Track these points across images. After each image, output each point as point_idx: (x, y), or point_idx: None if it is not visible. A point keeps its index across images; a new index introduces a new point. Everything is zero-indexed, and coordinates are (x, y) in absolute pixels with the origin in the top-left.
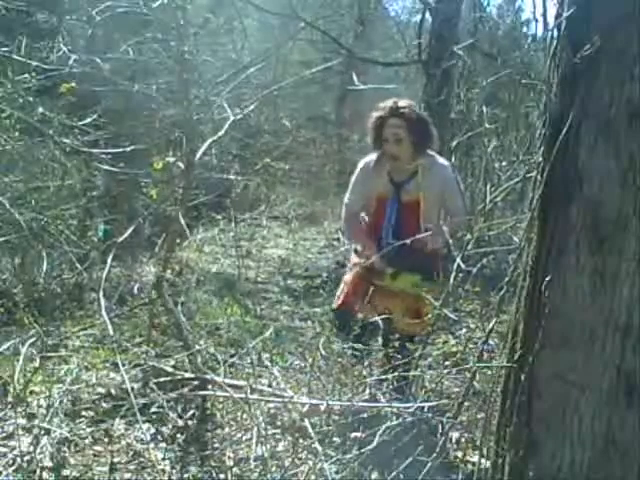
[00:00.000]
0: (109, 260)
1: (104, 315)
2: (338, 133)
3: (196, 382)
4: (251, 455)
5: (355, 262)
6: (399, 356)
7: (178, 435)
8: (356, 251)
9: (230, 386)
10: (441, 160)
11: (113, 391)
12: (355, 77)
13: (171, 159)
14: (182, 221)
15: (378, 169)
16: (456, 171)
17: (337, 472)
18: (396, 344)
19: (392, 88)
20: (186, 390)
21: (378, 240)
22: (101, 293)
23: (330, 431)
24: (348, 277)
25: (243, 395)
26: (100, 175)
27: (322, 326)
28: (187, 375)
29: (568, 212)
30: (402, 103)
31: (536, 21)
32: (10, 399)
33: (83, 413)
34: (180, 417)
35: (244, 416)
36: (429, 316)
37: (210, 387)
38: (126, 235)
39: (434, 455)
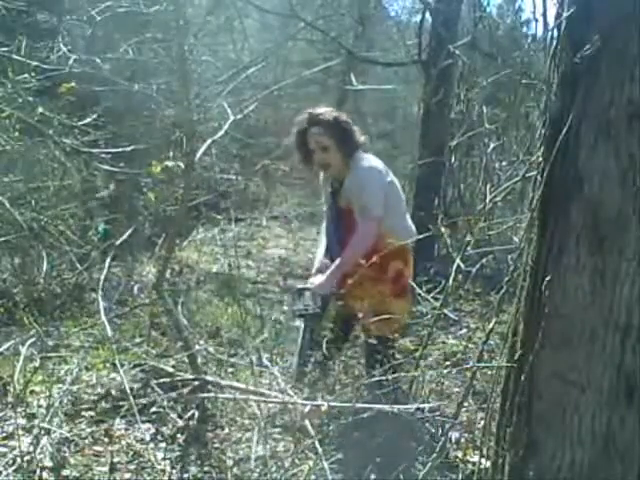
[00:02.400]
0: (107, 262)
1: (103, 318)
2: None
3: (196, 382)
4: (251, 455)
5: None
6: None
7: (178, 435)
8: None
9: (230, 387)
10: (363, 162)
11: (113, 391)
12: (353, 78)
13: (170, 163)
14: (183, 221)
15: (326, 179)
16: (375, 170)
17: (337, 472)
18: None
19: (391, 88)
20: (186, 391)
21: (327, 245)
22: (100, 294)
23: (330, 431)
24: None
25: (243, 395)
26: (100, 175)
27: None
28: (187, 376)
29: (568, 212)
30: (317, 110)
31: (536, 21)
32: (10, 399)
33: (83, 413)
34: (180, 417)
35: (244, 416)
36: (398, 316)
37: (210, 387)
38: (125, 237)
39: (434, 455)
